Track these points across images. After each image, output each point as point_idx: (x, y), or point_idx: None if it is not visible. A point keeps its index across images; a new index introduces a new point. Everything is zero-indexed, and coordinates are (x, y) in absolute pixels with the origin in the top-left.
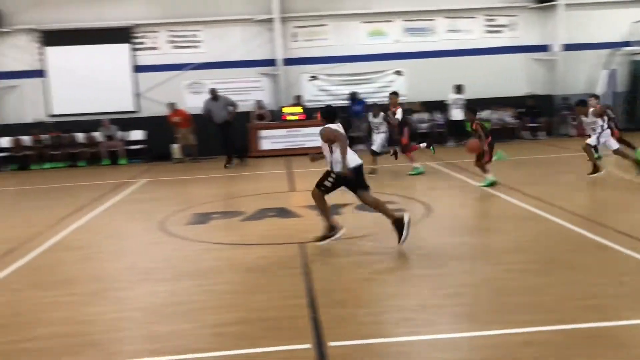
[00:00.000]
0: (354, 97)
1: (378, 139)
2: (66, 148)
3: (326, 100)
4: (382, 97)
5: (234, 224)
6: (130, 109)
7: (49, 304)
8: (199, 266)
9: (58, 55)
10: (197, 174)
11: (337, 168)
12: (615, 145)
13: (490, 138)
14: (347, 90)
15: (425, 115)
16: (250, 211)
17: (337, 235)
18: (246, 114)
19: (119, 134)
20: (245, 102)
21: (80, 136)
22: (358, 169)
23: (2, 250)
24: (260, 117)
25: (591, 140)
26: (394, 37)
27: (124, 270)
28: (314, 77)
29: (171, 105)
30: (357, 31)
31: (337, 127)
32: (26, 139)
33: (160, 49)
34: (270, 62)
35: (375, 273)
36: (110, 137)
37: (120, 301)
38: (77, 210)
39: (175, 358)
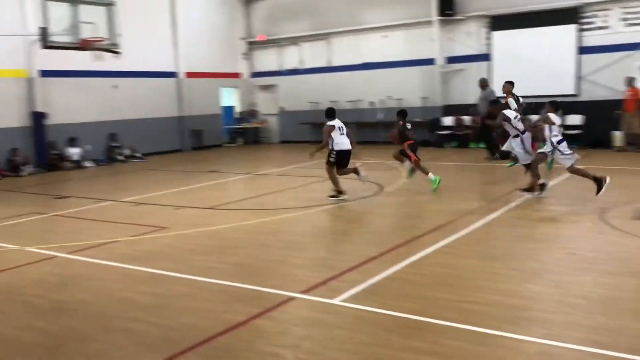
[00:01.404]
0: None
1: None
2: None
3: None
4: None
5: None
6: (570, 92)
7: (489, 274)
8: None
9: (503, 39)
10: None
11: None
12: None
13: (412, 141)
14: None
15: None
16: None
17: (342, 197)
18: None
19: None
20: None
21: None
22: (341, 152)
23: (445, 220)
24: None
25: None
26: None
27: (564, 255)
28: None
29: (629, 80)
30: None
31: (333, 123)
32: (466, 119)
33: (611, 27)
34: None
35: None
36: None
37: (562, 285)
38: (512, 191)
39: (626, 357)
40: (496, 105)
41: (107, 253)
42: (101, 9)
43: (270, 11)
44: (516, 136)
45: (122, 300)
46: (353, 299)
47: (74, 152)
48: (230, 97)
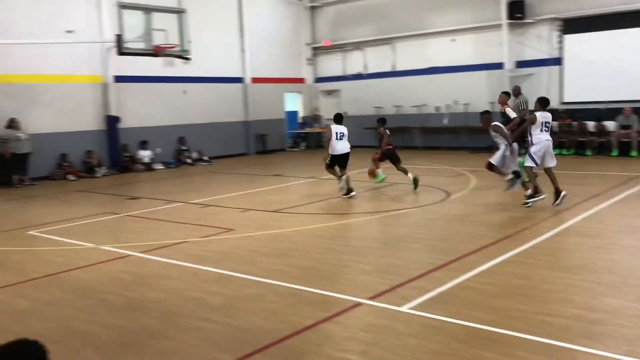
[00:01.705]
0: None
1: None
2: (574, 136)
3: None
4: None
5: None
6: None
7: (564, 285)
8: None
9: (575, 43)
10: None
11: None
12: None
13: (389, 147)
14: None
15: None
16: None
17: (351, 195)
18: None
19: (636, 124)
20: None
21: (590, 124)
22: (336, 155)
23: (516, 228)
24: None
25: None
26: None
27: None
28: None
29: None
30: None
31: (335, 127)
32: None
33: None
34: None
35: None
36: (626, 127)
37: None
38: (585, 200)
39: None
40: (486, 116)
41: (178, 253)
42: (173, 17)
43: (335, 17)
44: (506, 146)
45: (194, 300)
46: (422, 307)
47: (145, 154)
48: (293, 102)
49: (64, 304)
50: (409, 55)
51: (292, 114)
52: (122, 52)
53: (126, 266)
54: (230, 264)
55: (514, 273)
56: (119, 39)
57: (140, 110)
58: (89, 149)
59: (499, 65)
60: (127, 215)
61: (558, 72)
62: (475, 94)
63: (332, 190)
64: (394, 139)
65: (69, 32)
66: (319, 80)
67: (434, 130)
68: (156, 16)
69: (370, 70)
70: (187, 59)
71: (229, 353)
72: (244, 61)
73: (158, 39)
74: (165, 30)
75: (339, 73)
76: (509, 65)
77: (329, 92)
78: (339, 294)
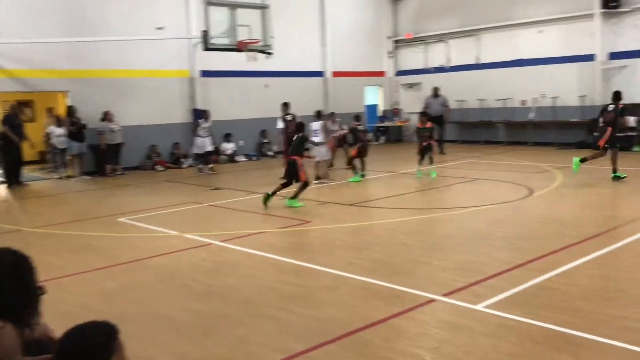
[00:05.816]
0: None
1: None
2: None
3: None
4: None
5: None
6: None
7: None
8: None
9: None
10: None
11: None
12: None
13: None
14: None
15: None
16: None
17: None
18: None
19: None
20: None
21: None
22: None
23: (604, 228)
24: None
25: None
26: None
27: None
28: None
29: None
30: None
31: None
32: (631, 120)
33: None
34: None
35: None
36: None
37: None
38: None
39: None
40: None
41: (256, 243)
42: (256, 12)
43: (418, 9)
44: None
45: (270, 289)
46: (498, 306)
47: (228, 147)
48: (373, 96)
49: (147, 288)
50: (494, 47)
51: (372, 108)
52: (207, 47)
53: (207, 254)
54: (307, 255)
55: (598, 275)
56: (205, 35)
57: (224, 104)
58: (176, 141)
59: (590, 57)
60: (210, 205)
61: None
62: (564, 88)
63: (411, 184)
64: (477, 133)
65: (159, 29)
66: (400, 73)
67: (519, 124)
68: (240, 12)
69: (454, 63)
70: (269, 53)
71: (302, 342)
72: (324, 55)
73: (242, 35)
74: (248, 26)
75: (420, 66)
76: (601, 56)
77: (410, 85)
78: (413, 289)
